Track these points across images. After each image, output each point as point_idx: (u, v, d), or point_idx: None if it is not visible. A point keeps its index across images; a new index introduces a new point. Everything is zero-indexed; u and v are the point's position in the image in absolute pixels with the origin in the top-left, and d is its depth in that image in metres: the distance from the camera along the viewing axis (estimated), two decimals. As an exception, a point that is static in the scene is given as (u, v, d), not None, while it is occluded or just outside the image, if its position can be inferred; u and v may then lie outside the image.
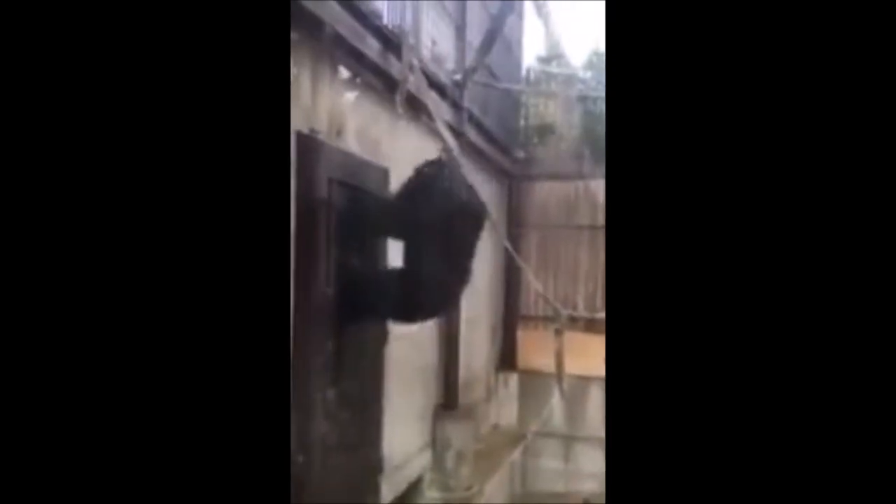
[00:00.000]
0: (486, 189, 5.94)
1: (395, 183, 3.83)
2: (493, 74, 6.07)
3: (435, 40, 4.80)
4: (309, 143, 2.96)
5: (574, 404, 6.53)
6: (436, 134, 4.28)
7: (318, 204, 3.01)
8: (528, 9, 7.75)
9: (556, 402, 6.52)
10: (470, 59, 5.21)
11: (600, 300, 6.60)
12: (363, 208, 3.32)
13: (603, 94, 5.67)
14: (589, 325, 6.34)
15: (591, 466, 5.75)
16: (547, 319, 6.59)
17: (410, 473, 4.59)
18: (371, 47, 3.47)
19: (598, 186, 6.53)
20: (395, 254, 3.88)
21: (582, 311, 6.73)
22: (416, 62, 3.73)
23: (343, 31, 3.15)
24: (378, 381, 3.77)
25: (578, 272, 6.96)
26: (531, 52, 8.01)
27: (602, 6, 1.47)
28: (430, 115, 4.04)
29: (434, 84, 4.32)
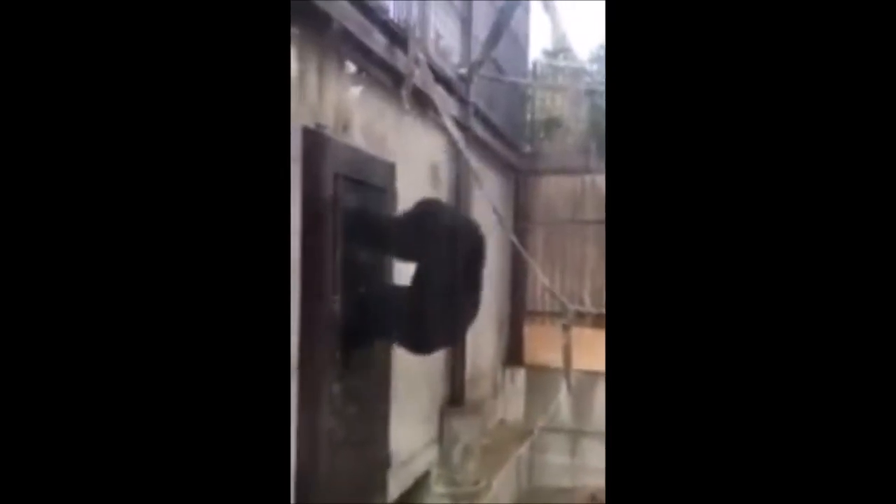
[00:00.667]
0: (492, 184, 5.94)
1: (402, 178, 3.83)
2: (499, 68, 6.04)
3: (441, 34, 4.78)
4: (315, 138, 2.96)
5: (581, 399, 6.53)
6: (442, 128, 4.28)
7: (324, 198, 3.00)
8: (535, 2, 7.72)
9: (563, 398, 6.51)
10: (476, 53, 5.19)
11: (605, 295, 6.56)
12: (367, 223, 3.34)
13: (610, 88, 5.61)
14: (596, 321, 6.33)
15: (597, 461, 5.74)
16: (554, 315, 6.59)
17: (417, 469, 4.59)
18: (377, 42, 3.46)
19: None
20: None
21: (589, 307, 6.72)
22: (422, 57, 3.72)
23: (349, 25, 3.14)
24: (385, 377, 3.77)
25: (585, 267, 6.95)
26: (537, 45, 7.98)
27: (607, -1, 1.47)
28: (436, 110, 4.04)
29: (440, 78, 4.31)
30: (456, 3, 5.13)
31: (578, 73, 8.06)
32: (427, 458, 4.80)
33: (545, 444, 6.60)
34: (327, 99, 3.13)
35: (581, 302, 6.72)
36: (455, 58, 5.04)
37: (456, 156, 4.83)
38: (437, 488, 4.84)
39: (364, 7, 3.27)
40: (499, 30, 5.14)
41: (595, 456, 6.03)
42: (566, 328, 4.98)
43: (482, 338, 6.02)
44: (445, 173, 4.89)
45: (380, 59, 3.53)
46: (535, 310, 7.14)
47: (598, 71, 7.71)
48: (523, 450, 6.15)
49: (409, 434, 4.32)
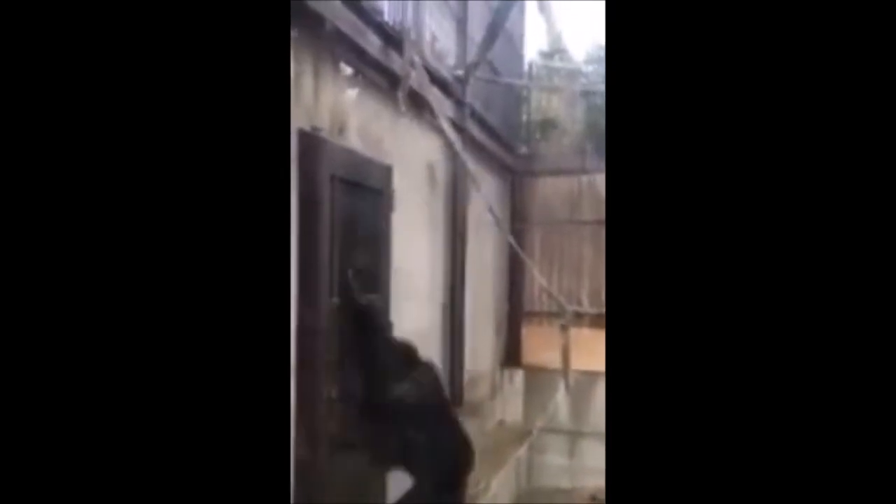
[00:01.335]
0: (489, 185, 5.94)
1: (398, 180, 3.83)
2: (495, 70, 6.05)
3: (436, 36, 4.78)
4: (311, 140, 2.95)
5: (579, 400, 6.52)
6: (438, 130, 4.28)
7: (320, 201, 3.00)
8: (530, 3, 7.73)
9: (561, 398, 6.51)
10: (472, 54, 5.19)
11: (605, 296, 6.56)
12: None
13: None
14: (594, 321, 6.33)
15: (596, 462, 5.73)
16: (552, 315, 6.58)
17: (416, 470, 4.58)
18: (373, 44, 3.46)
19: (602, 181, 6.49)
20: (397, 255, 3.88)
21: (587, 307, 6.72)
22: (417, 58, 3.72)
23: (344, 27, 3.14)
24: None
25: (583, 268, 6.95)
26: (533, 46, 7.99)
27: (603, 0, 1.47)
28: (432, 112, 4.04)
29: (436, 80, 4.30)
30: (451, 4, 5.13)
31: (574, 73, 8.07)
32: (426, 460, 4.78)
33: (544, 444, 6.59)
34: (323, 101, 3.13)
35: (579, 302, 6.73)
36: (451, 59, 5.04)
37: (452, 157, 4.82)
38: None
39: (359, 8, 3.26)
40: (494, 31, 5.15)
41: (594, 456, 6.02)
42: (564, 329, 4.98)
43: (480, 339, 6.02)
44: (442, 175, 4.89)
45: (375, 61, 3.52)
46: (533, 310, 7.14)
47: (593, 72, 7.72)
48: (522, 451, 6.14)
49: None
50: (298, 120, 2.88)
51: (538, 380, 6.80)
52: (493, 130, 5.95)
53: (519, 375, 7.07)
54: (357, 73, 3.48)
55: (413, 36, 3.82)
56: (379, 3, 3.58)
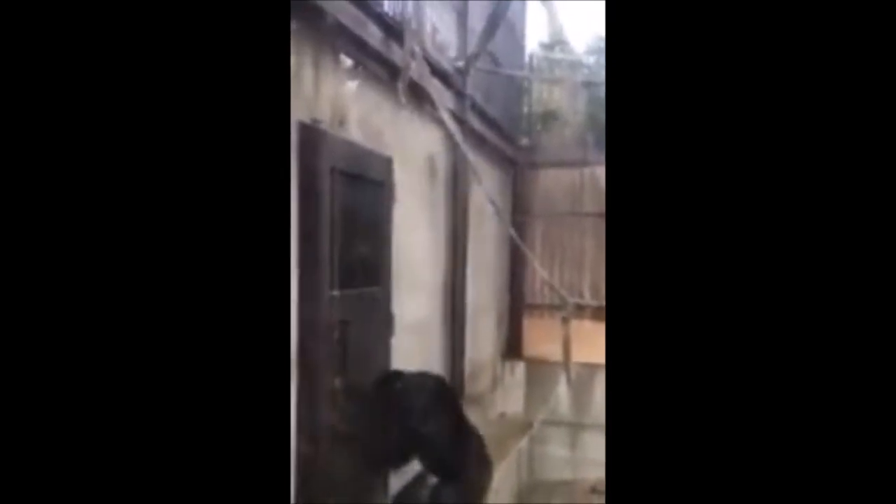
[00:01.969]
0: (490, 177, 5.93)
1: (399, 172, 3.82)
2: (495, 61, 6.02)
3: (437, 27, 4.76)
4: (311, 132, 2.94)
5: (581, 392, 6.53)
6: (439, 122, 4.26)
7: (320, 193, 2.99)
8: (531, -6, 7.69)
9: (562, 390, 6.52)
10: (472, 45, 5.17)
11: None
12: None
13: (607, 79, 5.61)
14: (595, 313, 6.33)
15: (598, 454, 5.72)
16: (553, 307, 6.58)
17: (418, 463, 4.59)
18: (373, 35, 3.45)
19: (604, 173, 6.48)
20: (398, 247, 3.87)
21: (588, 299, 6.72)
22: (418, 50, 3.70)
23: (344, 19, 3.13)
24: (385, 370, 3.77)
25: (584, 260, 6.94)
26: (534, 38, 7.97)
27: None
28: (433, 103, 4.02)
29: (437, 72, 4.29)
30: (452, -5, 5.11)
31: (575, 65, 8.05)
32: (427, 452, 4.79)
33: (545, 436, 6.60)
34: (323, 93, 3.12)
35: (580, 294, 6.72)
36: (451, 51, 5.02)
37: (453, 149, 4.81)
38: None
39: (359, 0, 3.25)
40: (495, 22, 5.12)
41: (595, 448, 6.03)
42: (565, 321, 4.98)
43: (481, 331, 6.02)
44: (443, 167, 4.88)
45: (376, 52, 3.51)
46: (534, 303, 7.13)
47: (594, 63, 7.70)
48: (523, 443, 6.15)
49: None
50: (299, 112, 2.87)
51: (539, 372, 6.81)
52: (493, 122, 5.93)
53: (520, 367, 7.08)
54: (357, 64, 3.47)
55: (413, 27, 3.80)
56: (379, -7, 3.57)
